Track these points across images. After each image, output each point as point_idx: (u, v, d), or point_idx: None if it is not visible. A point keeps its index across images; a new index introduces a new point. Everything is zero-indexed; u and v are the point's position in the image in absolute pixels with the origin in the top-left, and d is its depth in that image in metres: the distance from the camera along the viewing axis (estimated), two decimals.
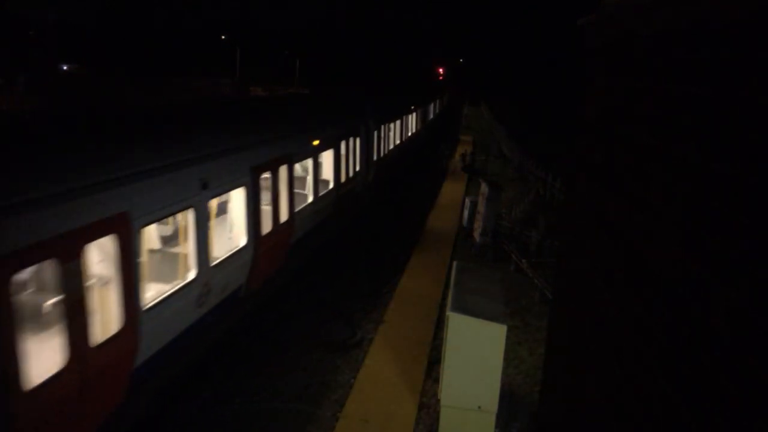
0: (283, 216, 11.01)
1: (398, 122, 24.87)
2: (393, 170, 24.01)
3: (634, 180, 3.89)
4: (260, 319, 11.48)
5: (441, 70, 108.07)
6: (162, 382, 7.71)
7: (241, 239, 9.49)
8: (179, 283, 7.80)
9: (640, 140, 3.85)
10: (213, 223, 9.70)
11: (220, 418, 8.61)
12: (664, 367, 3.03)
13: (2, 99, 45.28)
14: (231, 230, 10.03)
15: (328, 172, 14.37)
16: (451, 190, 26.32)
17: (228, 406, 8.90)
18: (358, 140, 16.69)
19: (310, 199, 12.79)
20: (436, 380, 9.44)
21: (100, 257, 7.30)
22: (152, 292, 7.78)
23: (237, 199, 9.64)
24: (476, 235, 17.56)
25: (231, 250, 9.15)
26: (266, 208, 10.33)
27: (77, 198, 5.81)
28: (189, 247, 8.15)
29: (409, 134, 29.06)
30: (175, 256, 8.93)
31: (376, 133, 19.21)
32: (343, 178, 15.19)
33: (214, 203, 9.70)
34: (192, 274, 8.01)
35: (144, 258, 8.46)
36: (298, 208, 11.91)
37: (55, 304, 5.75)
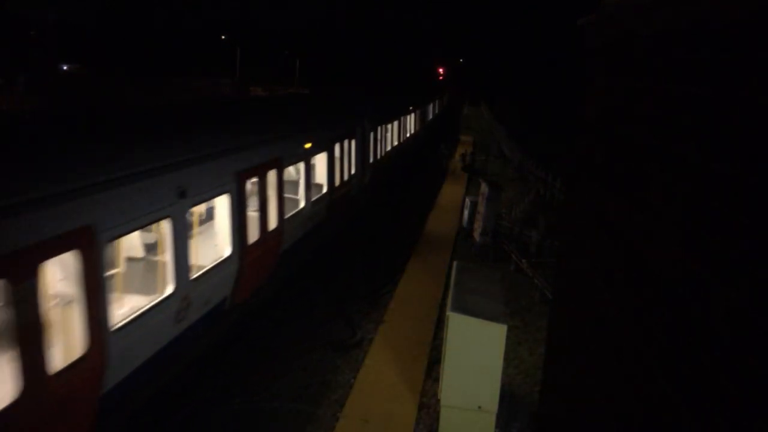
0: (272, 223, 10.53)
1: (396, 123, 24.55)
2: (391, 172, 23.67)
3: (634, 180, 3.89)
4: (260, 320, 11.48)
5: (441, 70, 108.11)
6: (136, 405, 7.34)
7: (225, 249, 9.00)
8: (154, 299, 7.32)
9: (640, 140, 3.85)
10: (194, 233, 9.36)
11: (220, 418, 8.62)
12: (664, 367, 3.03)
13: (2, 99, 45.27)
14: (214, 240, 9.51)
15: (321, 176, 13.92)
16: (451, 192, 26.27)
17: (228, 406, 8.90)
18: (353, 142, 16.40)
19: (302, 204, 12.35)
20: (436, 380, 9.44)
21: (61, 275, 6.89)
22: (124, 310, 7.41)
23: (221, 206, 9.15)
24: (476, 235, 17.56)
25: (214, 262, 8.67)
26: (253, 216, 9.86)
27: (30, 212, 5.36)
28: (166, 260, 7.66)
29: (408, 135, 28.61)
30: (151, 269, 8.49)
31: (372, 134, 18.88)
32: (337, 182, 14.79)
33: (194, 212, 9.32)
34: (169, 289, 7.54)
35: (114, 273, 8.19)
36: (288, 215, 11.46)
37: (6, 330, 5.20)
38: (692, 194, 2.92)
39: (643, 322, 3.40)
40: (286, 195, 11.60)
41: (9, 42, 75.05)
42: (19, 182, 5.49)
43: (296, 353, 10.59)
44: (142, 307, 7.05)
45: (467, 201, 19.45)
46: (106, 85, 66.93)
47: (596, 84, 5.44)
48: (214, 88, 73.17)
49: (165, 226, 7.53)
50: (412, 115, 30.46)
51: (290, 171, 12.30)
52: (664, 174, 3.34)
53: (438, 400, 8.37)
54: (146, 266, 8.61)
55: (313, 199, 12.98)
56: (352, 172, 16.54)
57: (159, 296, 7.43)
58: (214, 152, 8.61)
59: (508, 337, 7.75)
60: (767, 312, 2.16)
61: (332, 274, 14.61)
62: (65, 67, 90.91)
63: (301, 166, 12.29)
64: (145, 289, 8.29)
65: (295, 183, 12.62)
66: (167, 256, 7.62)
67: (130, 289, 8.42)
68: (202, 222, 10.95)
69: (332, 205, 14.48)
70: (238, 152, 9.27)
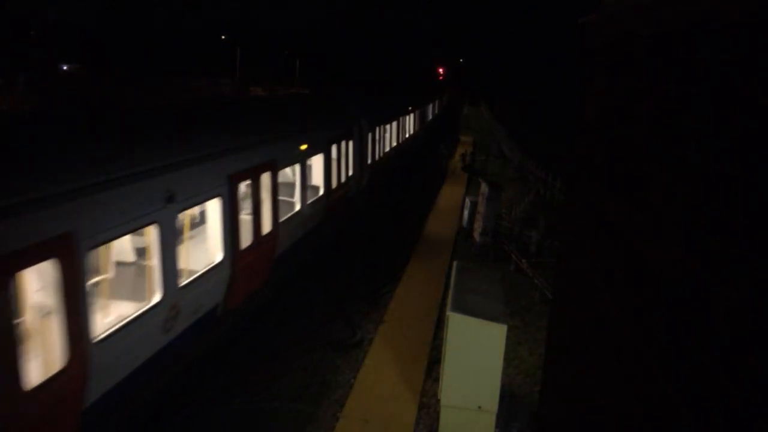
0: (266, 227, 10.27)
1: (395, 123, 24.30)
2: (389, 173, 23.43)
3: (634, 180, 3.89)
4: (260, 320, 11.48)
5: (441, 69, 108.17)
6: (121, 419, 7.11)
7: (216, 255, 8.71)
8: (141, 308, 7.05)
9: (640, 140, 3.86)
10: (184, 238, 9.15)
11: (220, 418, 8.62)
12: (664, 367, 3.03)
13: (2, 99, 45.29)
14: (205, 245, 9.23)
15: (317, 178, 13.72)
16: (451, 193, 26.20)
17: (228, 406, 8.90)
18: (351, 143, 16.21)
19: (298, 207, 12.12)
20: (436, 380, 9.44)
21: (38, 285, 6.62)
22: (108, 320, 7.18)
23: (212, 210, 8.89)
24: (476, 235, 17.57)
25: (204, 268, 8.39)
26: (246, 220, 9.59)
27: (4, 219, 5.11)
28: (153, 267, 7.37)
29: (407, 136, 28.31)
30: (137, 277, 8.16)
31: (370, 135, 18.67)
32: (334, 184, 14.54)
33: (183, 217, 9.05)
34: (157, 297, 7.26)
35: (98, 282, 7.97)
36: (283, 218, 11.18)
37: None
38: (692, 194, 2.92)
39: (643, 322, 3.40)
40: (282, 198, 11.38)
41: (9, 42, 75.06)
42: None
43: (296, 353, 10.59)
44: (127, 317, 6.78)
45: (467, 201, 19.45)
46: (106, 85, 66.97)
47: (596, 84, 5.44)
48: (214, 88, 73.21)
49: (152, 232, 7.26)
50: (412, 115, 30.24)
51: (285, 173, 12.08)
52: (664, 174, 3.34)
53: (438, 400, 8.37)
54: (132, 274, 8.28)
55: (310, 201, 12.72)
56: (350, 173, 16.34)
57: (146, 305, 7.17)
58: (204, 154, 8.37)
59: (508, 337, 7.75)
60: (767, 312, 2.16)
61: (332, 274, 14.61)
62: (65, 67, 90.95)
63: (297, 167, 12.07)
64: (131, 298, 7.99)
65: (291, 185, 12.35)
66: (154, 263, 7.33)
67: (115, 297, 8.11)
68: (192, 226, 10.62)
69: (329, 207, 14.29)
70: (230, 154, 9.02)
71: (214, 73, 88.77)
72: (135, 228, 6.85)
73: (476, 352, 7.70)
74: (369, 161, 18.59)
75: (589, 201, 5.24)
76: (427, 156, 36.46)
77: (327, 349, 10.82)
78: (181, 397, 8.81)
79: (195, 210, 9.38)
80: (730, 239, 2.49)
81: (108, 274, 8.23)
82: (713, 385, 2.48)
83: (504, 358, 7.82)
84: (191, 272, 8.23)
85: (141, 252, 8.67)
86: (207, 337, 8.94)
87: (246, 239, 9.47)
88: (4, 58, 70.86)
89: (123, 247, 8.74)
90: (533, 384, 9.66)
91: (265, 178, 10.30)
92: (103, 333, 6.32)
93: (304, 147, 12.22)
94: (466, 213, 19.22)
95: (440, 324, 11.71)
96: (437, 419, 8.26)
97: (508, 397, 9.01)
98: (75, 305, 5.82)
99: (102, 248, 7.33)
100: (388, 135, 22.54)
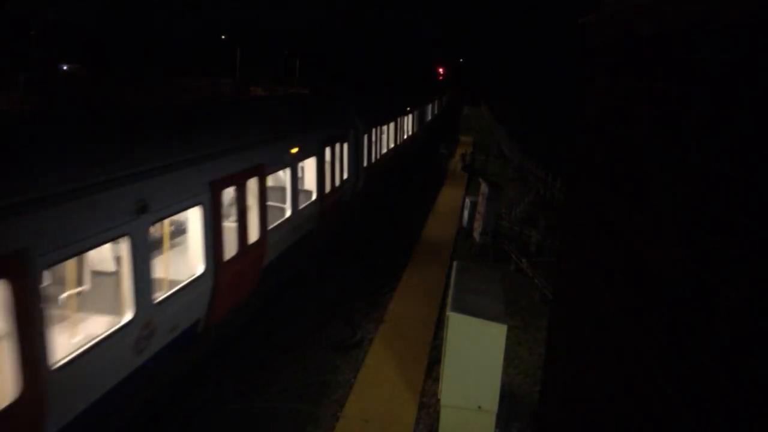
0: (253, 236, 9.73)
1: (392, 124, 23.66)
2: (387, 176, 22.82)
3: (634, 180, 3.89)
4: (260, 320, 11.48)
5: (441, 70, 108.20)
6: None
7: (197, 267, 8.23)
8: (109, 329, 6.49)
9: (640, 140, 3.85)
10: (161, 250, 8.84)
11: (220, 418, 8.62)
12: (664, 367, 3.03)
13: (2, 99, 45.29)
14: (185, 257, 8.77)
15: (310, 182, 13.17)
16: (450, 195, 26.09)
17: (228, 406, 8.90)
18: (345, 145, 15.70)
19: (288, 213, 11.56)
20: (436, 380, 9.44)
21: None
22: (71, 343, 6.69)
23: (192, 220, 8.44)
24: (476, 235, 17.57)
25: (183, 281, 7.89)
26: (231, 228, 9.06)
27: None
28: (123, 283, 6.85)
29: (405, 137, 27.65)
30: (105, 294, 7.60)
31: (366, 137, 18.05)
32: (328, 188, 13.97)
33: (159, 227, 8.65)
34: (128, 316, 6.72)
35: (63, 300, 7.62)
36: (272, 225, 10.64)
37: None
38: (692, 194, 2.92)
39: (643, 322, 3.40)
40: (271, 203, 10.91)
41: (9, 42, 75.05)
42: None
43: (296, 353, 10.59)
44: (93, 338, 6.24)
45: (467, 201, 19.45)
46: (106, 85, 66.99)
47: (596, 84, 5.44)
48: (214, 88, 73.26)
49: (123, 246, 6.73)
50: (411, 115, 29.73)
51: (274, 177, 11.44)
52: (664, 174, 3.34)
53: (438, 400, 8.37)
54: (101, 290, 7.69)
55: (301, 207, 12.22)
56: (345, 177, 15.82)
57: (114, 325, 6.62)
58: (182, 160, 7.85)
59: (508, 337, 7.76)
60: (767, 312, 2.16)
61: (332, 274, 14.62)
62: (65, 67, 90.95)
63: (287, 172, 11.52)
64: (98, 318, 7.49)
65: (281, 190, 11.80)
66: (125, 279, 6.81)
67: (81, 318, 7.60)
68: (171, 236, 10.06)
69: (323, 212, 13.81)
70: (212, 159, 8.51)
71: (214, 73, 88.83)
72: (102, 242, 6.35)
73: (476, 352, 7.70)
74: (365, 164, 18.07)
75: (589, 201, 5.24)
76: (427, 157, 36.43)
77: (327, 349, 10.83)
78: (181, 397, 8.82)
79: (173, 220, 8.88)
80: (730, 239, 2.49)
81: (73, 291, 7.75)
82: (713, 385, 2.48)
83: (504, 358, 7.83)
84: (169, 286, 7.82)
85: (111, 266, 7.94)
86: (187, 355, 8.53)
87: (230, 249, 9.00)
88: (4, 58, 70.86)
89: (91, 261, 8.04)
90: (533, 384, 9.67)
91: (252, 184, 9.81)
92: (64, 358, 5.80)
93: (294, 150, 11.72)
94: (466, 213, 19.23)
95: (440, 324, 11.71)
96: (437, 419, 8.26)
97: (508, 397, 9.01)
98: (30, 329, 5.32)
99: (67, 264, 6.92)
100: (385, 136, 21.99)
